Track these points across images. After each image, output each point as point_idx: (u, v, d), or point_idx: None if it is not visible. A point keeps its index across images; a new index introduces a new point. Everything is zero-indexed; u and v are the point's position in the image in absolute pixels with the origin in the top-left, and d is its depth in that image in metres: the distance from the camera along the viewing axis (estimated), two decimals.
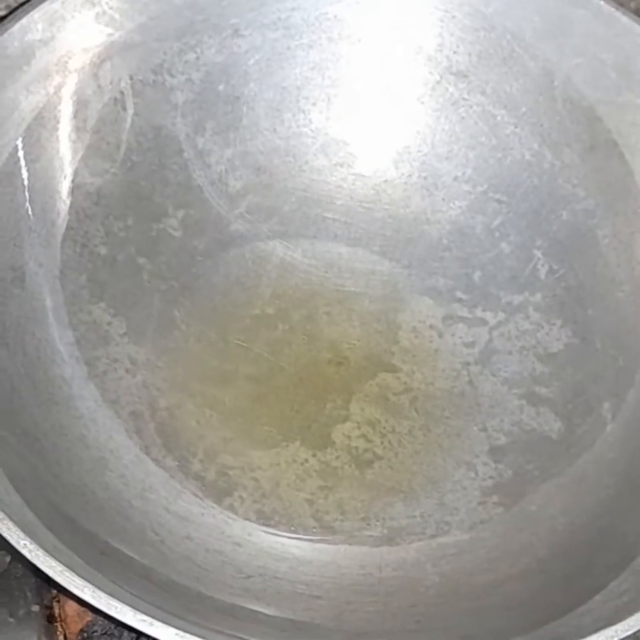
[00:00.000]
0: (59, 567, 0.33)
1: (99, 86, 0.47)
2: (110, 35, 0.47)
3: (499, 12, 0.49)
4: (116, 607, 0.33)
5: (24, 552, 0.34)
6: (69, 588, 0.33)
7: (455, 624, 0.40)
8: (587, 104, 0.49)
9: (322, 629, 0.39)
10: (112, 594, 0.33)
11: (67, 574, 0.33)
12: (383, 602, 0.41)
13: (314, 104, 0.52)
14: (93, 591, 0.33)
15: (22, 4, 0.47)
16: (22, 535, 0.34)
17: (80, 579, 0.33)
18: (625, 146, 0.48)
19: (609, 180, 0.49)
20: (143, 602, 0.34)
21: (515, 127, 0.50)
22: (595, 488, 0.44)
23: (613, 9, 0.47)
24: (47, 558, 0.33)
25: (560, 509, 0.44)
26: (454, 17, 0.50)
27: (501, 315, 0.50)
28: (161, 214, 0.50)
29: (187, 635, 0.33)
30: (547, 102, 0.50)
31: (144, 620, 0.33)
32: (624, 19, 0.47)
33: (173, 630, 0.33)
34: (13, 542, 0.34)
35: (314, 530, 0.44)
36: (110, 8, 0.47)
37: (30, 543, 0.34)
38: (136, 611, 0.33)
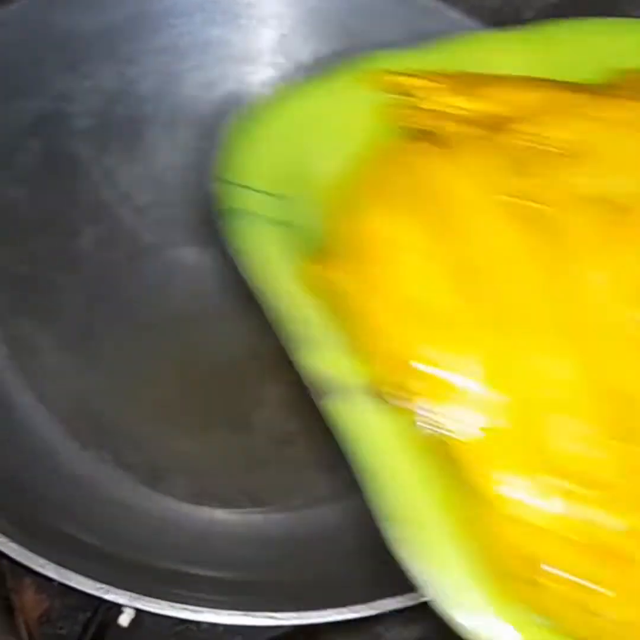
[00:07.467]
0: (21, 550, 0.37)
1: None
2: None
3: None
4: (76, 579, 0.37)
5: None
6: (33, 567, 0.37)
7: None
8: None
9: (258, 583, 0.44)
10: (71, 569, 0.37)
11: (29, 554, 0.37)
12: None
13: None
14: (55, 568, 0.37)
15: None
16: None
17: (42, 558, 0.37)
18: None
19: None
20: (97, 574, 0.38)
21: None
22: None
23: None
24: (11, 543, 0.37)
25: None
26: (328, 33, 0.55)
27: None
28: (74, 232, 0.54)
29: (140, 596, 0.37)
30: None
31: (102, 588, 0.37)
32: None
33: (128, 594, 0.37)
34: None
35: (244, 503, 0.49)
36: None
37: None
38: (95, 581, 0.37)
